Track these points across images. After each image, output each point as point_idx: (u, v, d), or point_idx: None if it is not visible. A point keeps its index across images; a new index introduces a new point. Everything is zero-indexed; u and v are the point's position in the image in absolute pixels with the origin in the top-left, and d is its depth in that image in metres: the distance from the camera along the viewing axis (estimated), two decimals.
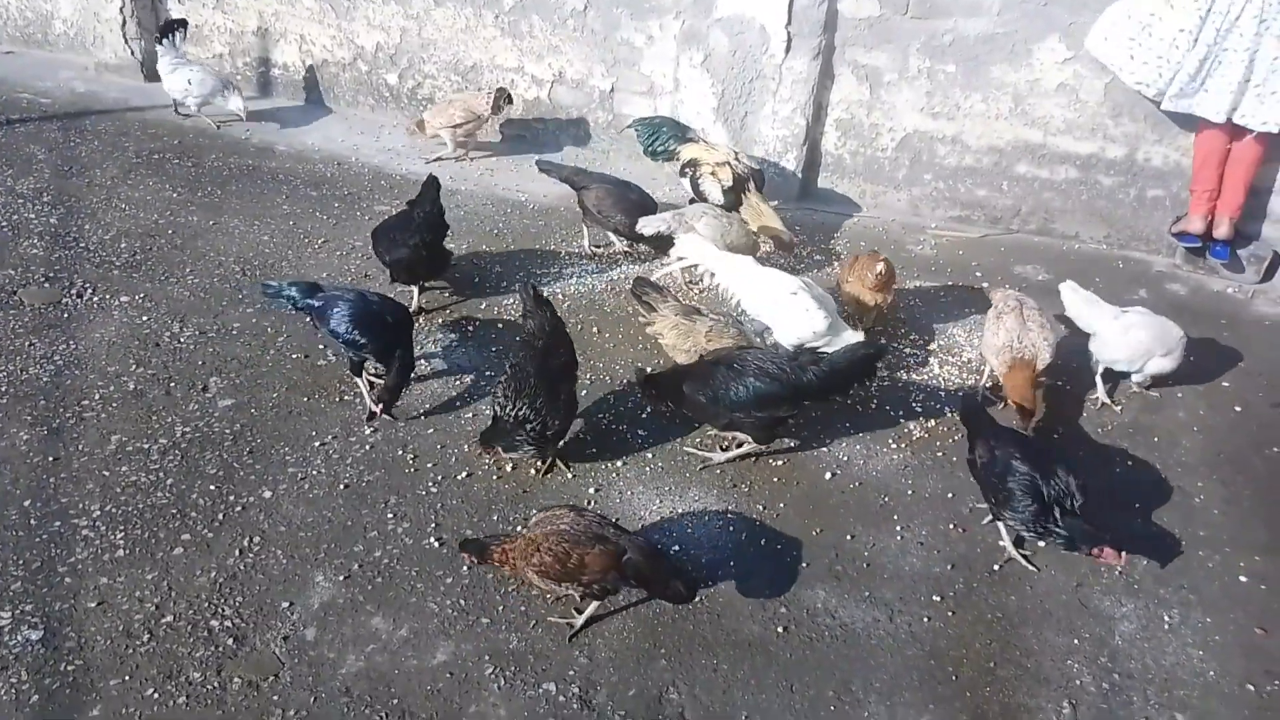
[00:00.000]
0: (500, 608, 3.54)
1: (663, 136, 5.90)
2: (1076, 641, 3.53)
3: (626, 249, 5.76)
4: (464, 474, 4.11)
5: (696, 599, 3.52)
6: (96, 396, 4.42)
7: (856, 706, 3.27)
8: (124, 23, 7.40)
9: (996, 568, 3.81)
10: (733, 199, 5.57)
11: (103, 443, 4.17)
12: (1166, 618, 3.64)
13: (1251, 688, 3.39)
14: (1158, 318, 4.67)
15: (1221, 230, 5.63)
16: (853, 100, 6.19)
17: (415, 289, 5.16)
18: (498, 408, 3.98)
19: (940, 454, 4.35)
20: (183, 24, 6.93)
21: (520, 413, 3.89)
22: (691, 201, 5.76)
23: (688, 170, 5.74)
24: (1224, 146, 5.45)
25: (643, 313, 4.62)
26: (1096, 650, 3.50)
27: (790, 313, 4.49)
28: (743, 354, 4.13)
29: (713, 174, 5.60)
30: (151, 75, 7.61)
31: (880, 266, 4.74)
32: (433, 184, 5.15)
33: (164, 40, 6.83)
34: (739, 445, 4.28)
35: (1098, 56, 5.48)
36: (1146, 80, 5.31)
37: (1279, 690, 3.39)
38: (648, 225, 5.29)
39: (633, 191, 5.57)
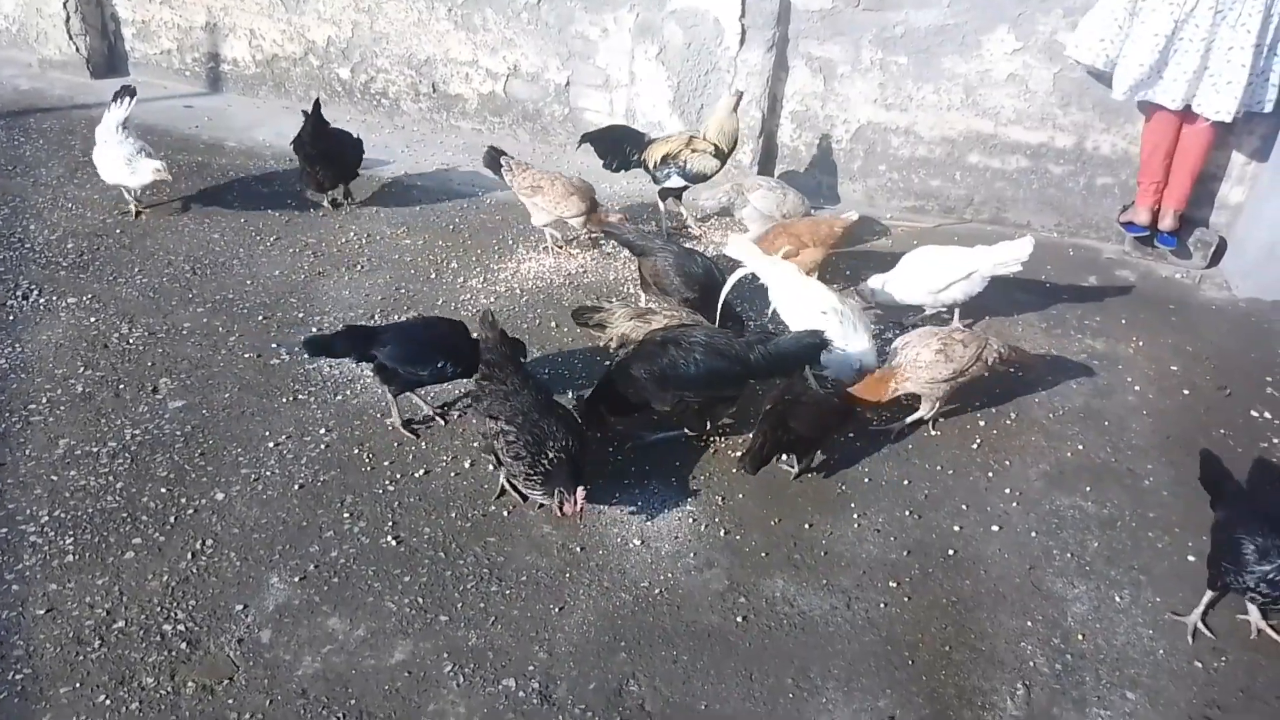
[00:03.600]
0: (459, 605, 3.52)
1: (623, 154, 5.83)
2: (1030, 624, 3.58)
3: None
4: (421, 471, 4.08)
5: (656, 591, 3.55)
6: (44, 400, 4.34)
7: (815, 693, 3.30)
8: (68, 18, 7.26)
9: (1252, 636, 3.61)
10: (721, 161, 5.68)
11: (50, 447, 4.09)
12: (1118, 598, 3.70)
13: (1200, 664, 3.46)
14: (942, 249, 5.02)
15: (1166, 223, 5.73)
16: (807, 92, 6.22)
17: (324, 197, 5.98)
18: (529, 469, 3.67)
19: (895, 441, 4.39)
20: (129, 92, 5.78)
21: (556, 455, 3.66)
22: (664, 196, 5.85)
23: (664, 167, 5.70)
24: (1172, 138, 5.54)
25: (595, 332, 4.61)
26: (1049, 632, 3.56)
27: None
28: (691, 331, 4.15)
29: (694, 152, 5.63)
30: (97, 71, 7.49)
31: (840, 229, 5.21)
32: (314, 106, 5.75)
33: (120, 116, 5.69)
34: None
35: (1081, 60, 5.54)
36: (1118, 77, 5.39)
37: (1226, 666, 3.46)
38: (710, 200, 5.76)
39: (696, 264, 4.82)
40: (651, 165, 5.74)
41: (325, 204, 6.03)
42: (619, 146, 5.84)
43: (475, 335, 4.08)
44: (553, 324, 5.04)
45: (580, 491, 3.60)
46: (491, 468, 4.07)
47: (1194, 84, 5.23)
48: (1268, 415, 4.67)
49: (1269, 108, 5.27)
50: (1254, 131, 5.62)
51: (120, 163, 5.54)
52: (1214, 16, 5.04)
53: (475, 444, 4.21)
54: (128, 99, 5.70)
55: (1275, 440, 4.51)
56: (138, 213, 5.76)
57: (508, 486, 3.97)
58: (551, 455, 3.66)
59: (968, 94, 5.96)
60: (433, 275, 5.40)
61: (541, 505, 3.83)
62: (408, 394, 4.30)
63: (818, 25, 5.97)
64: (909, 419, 4.40)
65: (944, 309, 5.06)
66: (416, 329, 4.30)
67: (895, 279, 4.95)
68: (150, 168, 5.53)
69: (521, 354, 4.18)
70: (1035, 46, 5.70)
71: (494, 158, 5.52)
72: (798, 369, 4.21)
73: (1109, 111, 5.78)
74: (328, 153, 5.84)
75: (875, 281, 4.99)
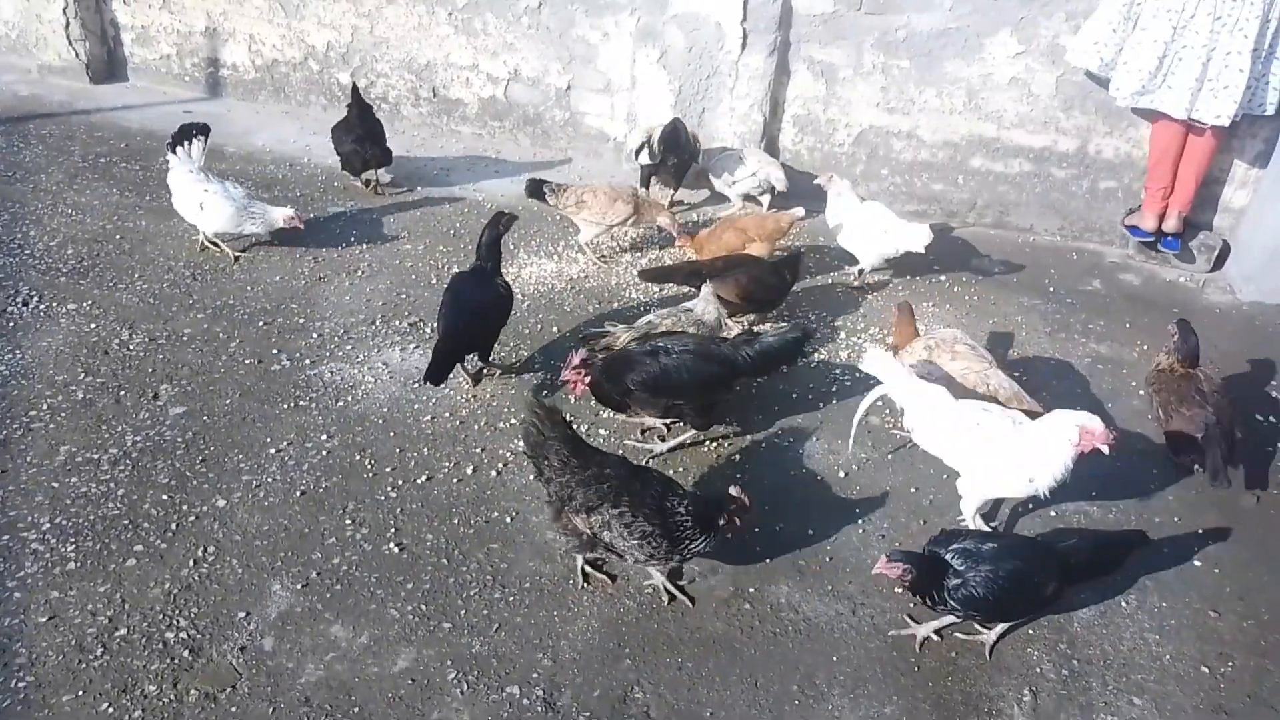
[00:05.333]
0: (462, 612, 3.50)
1: None
2: (1035, 629, 3.56)
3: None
4: (424, 478, 4.07)
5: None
6: (44, 406, 4.32)
7: (820, 700, 3.28)
8: (67, 24, 7.25)
9: None
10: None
11: (51, 453, 4.07)
12: (1124, 603, 3.69)
13: (1206, 669, 3.45)
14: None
15: (1170, 224, 5.74)
16: (809, 96, 6.21)
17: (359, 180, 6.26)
18: (667, 537, 3.34)
19: (900, 448, 4.37)
20: (204, 129, 5.55)
21: (683, 505, 3.37)
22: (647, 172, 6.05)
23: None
24: (1179, 144, 5.53)
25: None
26: (1056, 637, 3.54)
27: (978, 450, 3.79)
28: (679, 339, 4.18)
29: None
30: (97, 77, 7.48)
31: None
32: (353, 90, 6.18)
33: (179, 149, 5.46)
34: (675, 435, 4.32)
35: (1076, 63, 5.56)
36: (1118, 83, 5.39)
37: (1232, 671, 3.44)
38: (738, 187, 6.00)
39: (772, 275, 5.02)
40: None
41: (359, 184, 6.29)
42: None
43: None
44: (554, 329, 5.03)
45: (738, 491, 3.39)
46: (583, 564, 3.68)
47: (1197, 93, 5.23)
48: (1272, 419, 4.66)
49: (1270, 110, 5.27)
50: (1257, 135, 5.62)
51: (227, 209, 5.30)
52: (1213, 23, 5.04)
53: (560, 550, 3.76)
54: (201, 139, 5.49)
55: None
56: (236, 258, 5.51)
57: (662, 583, 3.61)
58: (681, 508, 3.34)
59: (970, 97, 5.95)
60: (434, 280, 5.38)
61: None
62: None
63: (819, 29, 5.96)
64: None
65: (870, 264, 5.43)
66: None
67: (848, 230, 5.42)
68: (282, 215, 5.39)
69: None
70: (1038, 50, 5.69)
71: (536, 187, 5.56)
72: (784, 365, 4.46)
73: (1112, 115, 5.77)
74: (374, 132, 6.10)
75: (841, 234, 5.46)
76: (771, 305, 5.08)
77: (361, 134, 6.06)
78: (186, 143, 5.44)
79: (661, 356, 4.04)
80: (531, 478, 4.07)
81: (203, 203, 5.30)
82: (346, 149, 6.11)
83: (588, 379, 3.99)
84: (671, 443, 4.29)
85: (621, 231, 5.77)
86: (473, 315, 4.39)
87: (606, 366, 4.07)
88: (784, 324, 4.89)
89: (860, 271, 5.51)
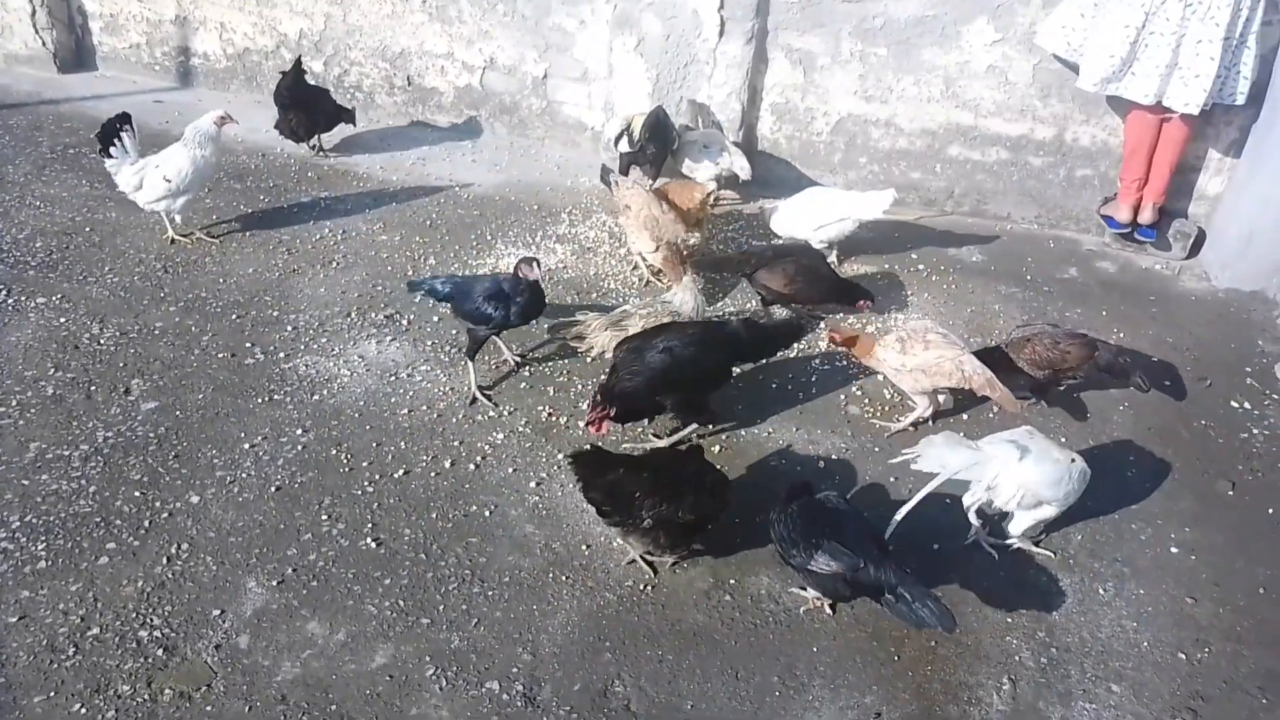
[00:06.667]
0: (441, 607, 3.47)
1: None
2: (1014, 618, 3.57)
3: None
4: (401, 472, 4.03)
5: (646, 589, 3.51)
6: (13, 403, 4.25)
7: (801, 690, 3.28)
8: (33, 12, 7.13)
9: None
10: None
11: (21, 450, 4.01)
12: (1101, 590, 3.71)
13: (1183, 656, 3.47)
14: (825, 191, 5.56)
15: (1145, 217, 5.77)
16: (787, 84, 6.19)
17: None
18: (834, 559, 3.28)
19: (879, 437, 4.37)
20: (125, 119, 5.25)
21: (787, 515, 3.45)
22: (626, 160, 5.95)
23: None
24: (1153, 135, 5.55)
25: (575, 346, 4.56)
26: (1034, 625, 3.55)
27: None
28: (680, 331, 4.16)
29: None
30: (65, 66, 7.36)
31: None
32: (295, 62, 6.31)
33: (113, 148, 5.20)
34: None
35: (1045, 46, 5.55)
36: (1087, 71, 5.39)
37: (1209, 657, 3.47)
38: (701, 173, 5.90)
39: (823, 265, 5.09)
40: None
41: (308, 147, 6.52)
42: None
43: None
44: (533, 320, 4.98)
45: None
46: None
47: (1166, 79, 5.24)
48: (1247, 405, 4.69)
49: (1242, 100, 5.30)
50: (1231, 123, 5.65)
51: (179, 157, 5.24)
52: (1184, 10, 5.05)
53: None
54: (128, 130, 5.23)
55: (1255, 431, 4.53)
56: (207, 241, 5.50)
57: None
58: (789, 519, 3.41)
59: (948, 86, 5.94)
60: (410, 272, 5.33)
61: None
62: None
63: (797, 17, 5.94)
64: (908, 419, 4.38)
65: (824, 244, 5.41)
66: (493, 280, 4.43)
67: (783, 214, 5.46)
68: (210, 118, 5.31)
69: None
70: (1015, 38, 5.69)
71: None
72: (781, 349, 4.53)
73: (1088, 103, 5.78)
74: (301, 100, 6.32)
75: (776, 217, 5.50)
76: (818, 300, 4.93)
77: (287, 102, 6.28)
78: (117, 140, 5.16)
79: (674, 350, 4.00)
80: (511, 471, 4.06)
81: (158, 168, 5.19)
82: (276, 120, 6.38)
83: (611, 412, 3.91)
84: (675, 437, 4.26)
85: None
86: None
87: (615, 386, 3.99)
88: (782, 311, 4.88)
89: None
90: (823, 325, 4.52)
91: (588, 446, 3.60)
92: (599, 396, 3.94)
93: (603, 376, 4.15)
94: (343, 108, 6.47)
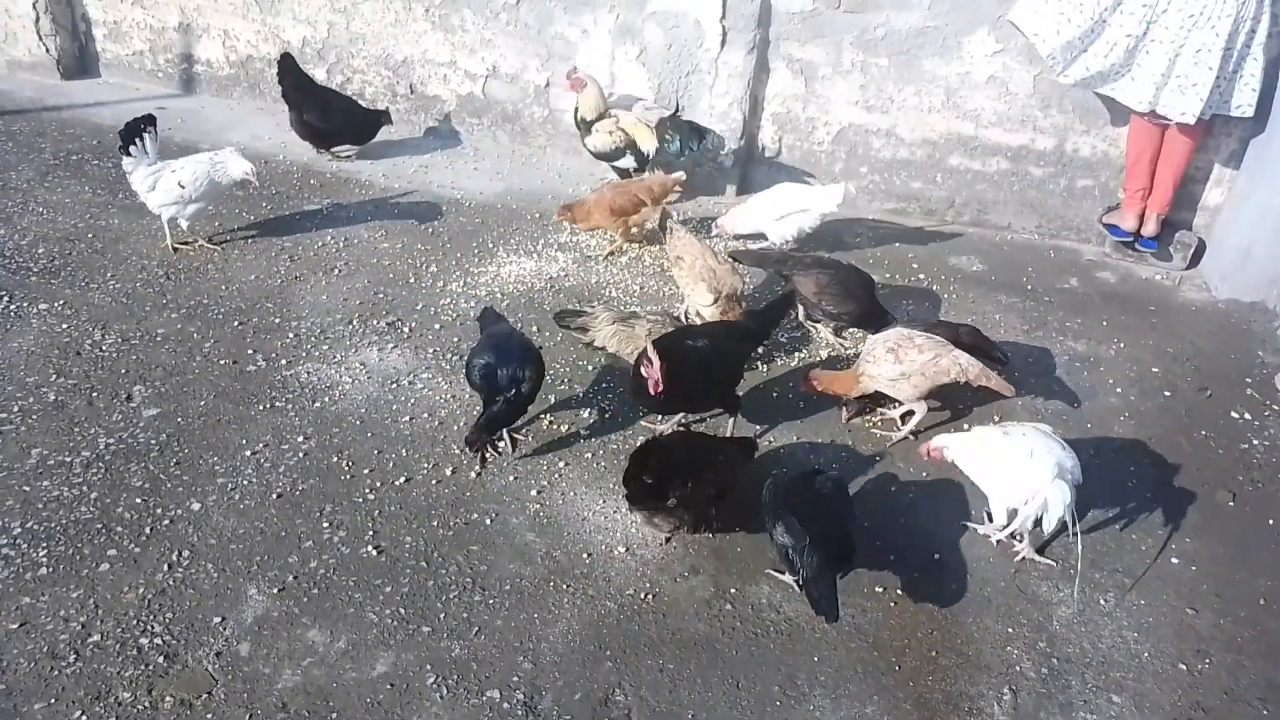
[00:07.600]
0: (442, 615, 3.47)
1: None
2: (1015, 628, 3.57)
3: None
4: (402, 479, 4.03)
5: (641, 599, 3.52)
6: (15, 409, 4.25)
7: (802, 700, 3.28)
8: (37, 19, 7.15)
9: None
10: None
11: (22, 457, 4.01)
12: (1102, 601, 3.71)
13: (1184, 667, 3.47)
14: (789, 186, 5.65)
15: (1149, 228, 5.78)
16: (788, 94, 6.21)
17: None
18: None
19: (879, 445, 4.38)
20: (150, 120, 5.27)
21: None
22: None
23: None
24: (1154, 144, 5.56)
25: (578, 336, 4.57)
26: (1035, 636, 3.55)
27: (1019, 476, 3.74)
28: (706, 331, 4.29)
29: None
30: (68, 73, 7.38)
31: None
32: (285, 59, 6.42)
33: (133, 148, 5.19)
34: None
35: (1017, 24, 5.49)
36: (1074, 67, 5.39)
37: (1209, 668, 3.47)
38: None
39: (858, 275, 4.92)
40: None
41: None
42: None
43: None
44: (534, 327, 5.00)
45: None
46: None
47: (1161, 87, 5.24)
48: (1248, 416, 4.70)
49: (1250, 112, 5.29)
50: (1232, 134, 5.67)
51: (199, 164, 5.29)
52: (1185, 19, 5.05)
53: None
54: (151, 130, 5.24)
55: (1255, 441, 4.54)
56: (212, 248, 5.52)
57: None
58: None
59: (948, 96, 5.96)
60: (412, 279, 5.34)
61: None
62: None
63: (799, 27, 5.96)
64: (908, 426, 4.38)
65: (787, 240, 5.52)
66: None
67: (745, 209, 5.61)
68: (242, 169, 5.31)
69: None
70: (1015, 49, 5.71)
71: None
72: (782, 321, 4.79)
73: (1089, 113, 5.80)
74: (313, 96, 6.46)
75: (728, 216, 5.68)
76: (845, 317, 4.87)
77: (296, 99, 6.45)
78: (138, 140, 5.17)
79: (714, 355, 4.11)
80: (512, 479, 4.07)
81: (174, 173, 5.20)
82: (290, 119, 6.55)
83: (665, 369, 3.80)
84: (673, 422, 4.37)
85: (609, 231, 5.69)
86: None
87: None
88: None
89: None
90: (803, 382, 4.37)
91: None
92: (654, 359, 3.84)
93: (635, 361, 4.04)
94: (371, 111, 6.59)
